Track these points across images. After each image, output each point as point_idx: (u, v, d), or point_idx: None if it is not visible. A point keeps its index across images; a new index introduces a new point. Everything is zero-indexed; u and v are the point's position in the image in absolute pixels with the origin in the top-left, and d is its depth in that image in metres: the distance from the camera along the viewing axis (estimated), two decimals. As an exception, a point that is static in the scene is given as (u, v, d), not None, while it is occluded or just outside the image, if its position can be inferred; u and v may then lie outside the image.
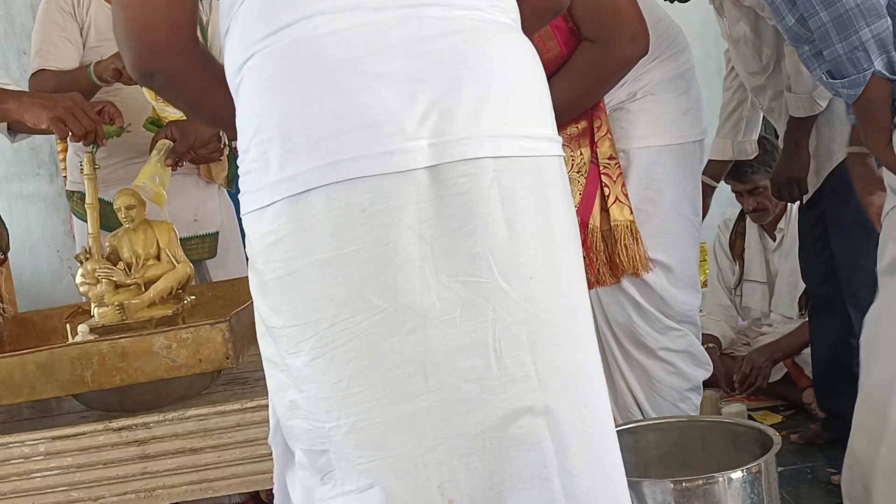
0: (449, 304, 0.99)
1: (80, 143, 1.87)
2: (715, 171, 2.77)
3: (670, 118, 1.83)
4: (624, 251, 1.78)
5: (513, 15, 1.11)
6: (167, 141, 1.97)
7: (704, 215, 2.97)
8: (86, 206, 1.81)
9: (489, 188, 1.00)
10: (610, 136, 1.77)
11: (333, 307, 0.99)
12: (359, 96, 0.98)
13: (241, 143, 1.05)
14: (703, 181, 2.86)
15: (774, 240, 3.05)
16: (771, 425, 2.70)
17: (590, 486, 1.03)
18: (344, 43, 0.99)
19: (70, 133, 1.79)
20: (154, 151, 1.93)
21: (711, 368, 1.95)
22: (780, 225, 3.03)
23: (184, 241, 2.24)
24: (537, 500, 1.01)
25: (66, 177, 2.58)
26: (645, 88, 1.82)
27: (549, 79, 1.78)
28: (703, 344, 3.05)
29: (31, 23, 3.81)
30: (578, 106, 1.77)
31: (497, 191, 1.01)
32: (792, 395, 2.88)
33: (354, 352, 0.99)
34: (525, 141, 1.04)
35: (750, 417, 2.78)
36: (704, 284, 3.49)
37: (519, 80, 1.06)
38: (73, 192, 2.43)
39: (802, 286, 2.91)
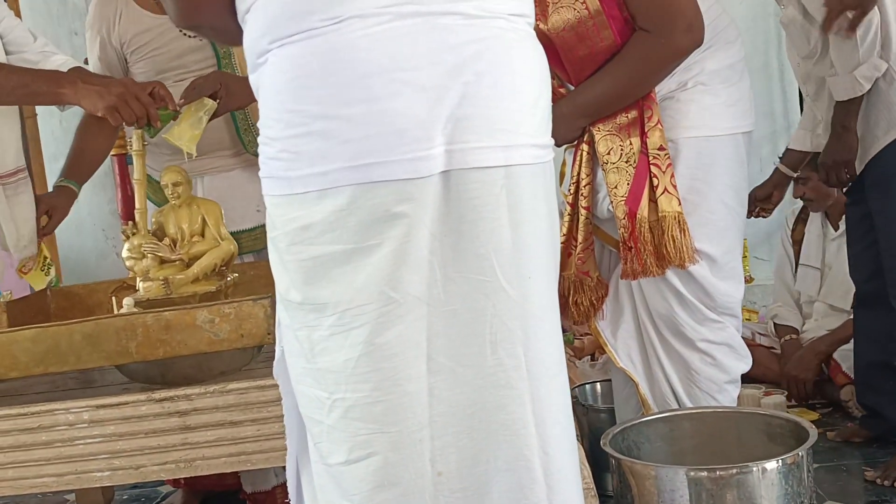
0: (453, 296, 1.09)
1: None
2: (792, 160, 2.76)
3: (720, 109, 1.80)
4: (671, 242, 1.77)
5: (529, 20, 1.16)
6: (211, 102, 1.97)
7: (777, 203, 2.92)
8: (134, 181, 1.85)
9: (499, 195, 1.09)
10: (660, 126, 1.75)
11: (351, 293, 1.07)
12: (389, 103, 1.04)
13: (267, 129, 1.10)
14: (780, 170, 2.84)
15: (836, 230, 3.01)
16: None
17: (561, 464, 1.15)
18: (376, 49, 1.05)
19: (123, 120, 1.82)
20: (194, 109, 1.93)
21: (751, 362, 1.92)
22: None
23: (248, 232, 2.30)
24: (521, 479, 1.11)
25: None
26: (696, 78, 1.79)
27: (601, 68, 1.78)
28: (783, 336, 3.07)
29: (83, 3, 3.88)
30: (630, 95, 1.77)
31: (506, 197, 1.09)
32: (830, 392, 2.84)
33: (366, 335, 1.07)
34: (533, 150, 1.12)
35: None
36: (748, 280, 3.48)
37: (533, 90, 1.13)
38: None
39: None
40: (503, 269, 1.09)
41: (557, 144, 1.21)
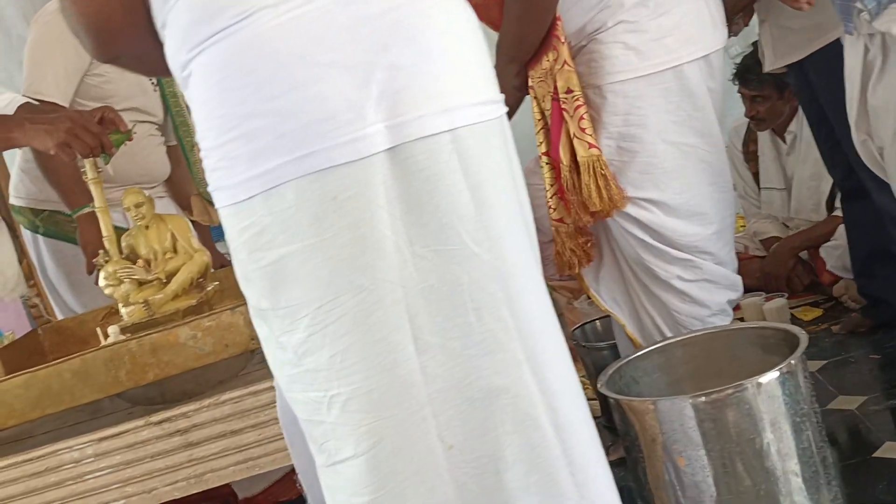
0: (426, 273, 1.05)
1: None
2: None
3: (649, 45, 1.70)
4: (589, 188, 1.72)
5: None
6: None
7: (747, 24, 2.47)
8: (96, 209, 1.84)
9: (448, 161, 1.05)
10: (569, 67, 1.68)
11: (320, 289, 1.04)
12: (314, 88, 1.01)
13: (203, 140, 1.08)
14: None
15: (786, 142, 2.99)
16: (812, 319, 2.71)
17: (571, 417, 1.13)
18: (291, 36, 1.02)
19: (77, 154, 1.81)
20: None
21: (739, 291, 1.88)
22: (791, 128, 2.96)
23: None
24: (531, 439, 1.09)
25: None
26: (616, 16, 1.71)
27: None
28: (769, 247, 3.00)
29: (27, 34, 3.84)
30: (529, 33, 1.72)
31: (457, 162, 1.06)
32: (826, 288, 2.85)
33: (345, 328, 1.04)
34: (475, 108, 1.08)
35: (791, 315, 2.77)
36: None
37: (462, 47, 1.09)
38: (21, 206, 2.46)
39: (825, 189, 2.87)
40: (470, 234, 1.07)
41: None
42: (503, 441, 1.09)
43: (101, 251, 1.84)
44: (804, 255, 2.92)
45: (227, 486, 2.50)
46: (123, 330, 1.74)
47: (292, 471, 2.51)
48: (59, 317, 2.58)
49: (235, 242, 1.08)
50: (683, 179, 1.77)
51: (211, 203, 2.78)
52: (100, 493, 1.58)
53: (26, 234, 2.55)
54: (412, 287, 1.05)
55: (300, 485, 1.39)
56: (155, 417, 1.57)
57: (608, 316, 2.07)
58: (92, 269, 2.33)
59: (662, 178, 1.76)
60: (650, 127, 1.74)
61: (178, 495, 1.59)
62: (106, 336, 1.78)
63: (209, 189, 1.11)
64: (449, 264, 1.06)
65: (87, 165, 1.85)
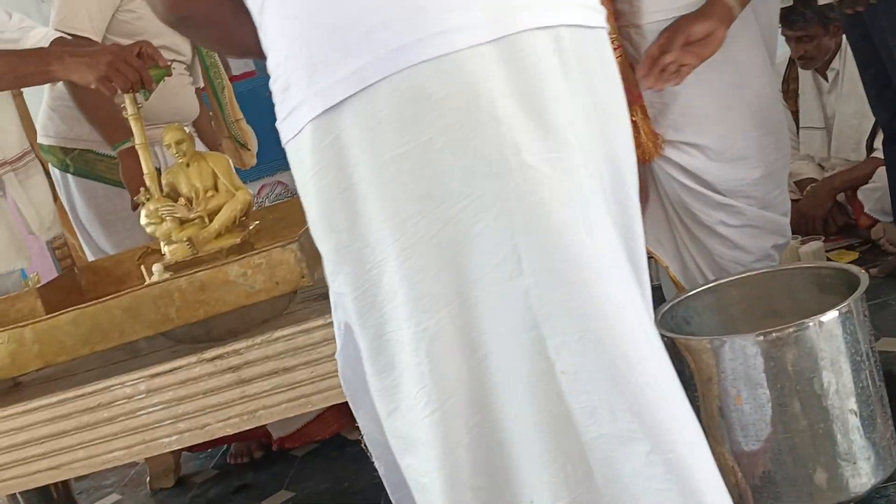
0: (534, 183, 0.96)
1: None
2: None
3: None
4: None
5: None
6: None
7: None
8: (136, 146, 1.81)
9: (554, 58, 0.97)
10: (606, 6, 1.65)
11: (416, 203, 0.96)
12: None
13: (275, 58, 1.02)
14: None
15: (827, 80, 2.93)
16: (848, 263, 2.68)
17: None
18: None
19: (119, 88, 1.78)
20: None
21: (787, 236, 1.85)
22: (834, 65, 2.90)
23: None
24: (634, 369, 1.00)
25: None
26: None
27: None
28: (804, 189, 2.96)
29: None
30: None
31: (561, 60, 0.98)
32: (864, 232, 2.82)
33: (447, 241, 0.97)
34: (580, 10, 1.01)
35: (827, 258, 2.75)
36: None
37: None
38: (50, 146, 2.42)
39: (867, 128, 2.82)
40: (581, 143, 0.99)
41: None
42: (630, 373, 1.00)
43: (141, 189, 1.81)
44: (840, 197, 2.88)
45: (262, 425, 2.51)
46: (167, 268, 1.73)
47: (325, 411, 2.54)
48: (89, 258, 2.57)
49: (314, 167, 1.00)
50: (726, 124, 1.74)
51: (243, 146, 2.76)
52: (152, 429, 1.57)
53: (55, 174, 2.52)
54: (520, 198, 0.95)
55: (364, 444, 1.36)
56: (207, 354, 1.56)
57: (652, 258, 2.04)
58: (136, 206, 2.30)
59: (703, 122, 1.73)
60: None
61: (230, 431, 1.59)
62: (150, 274, 1.76)
63: (277, 124, 1.06)
64: (559, 174, 0.97)
65: (126, 100, 1.82)
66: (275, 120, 1.05)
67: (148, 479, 2.58)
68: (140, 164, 2.20)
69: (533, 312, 0.98)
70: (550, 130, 0.97)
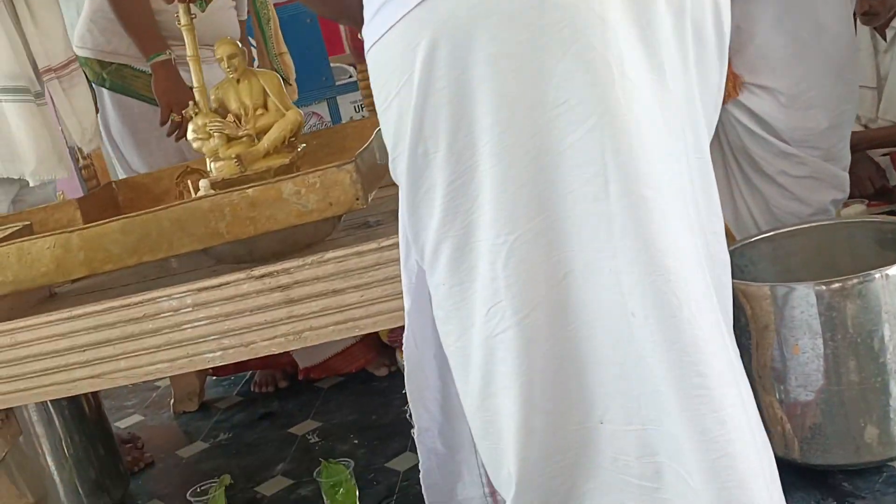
0: (632, 101, 0.91)
1: None
2: None
3: None
4: None
5: None
6: None
7: None
8: (188, 58, 1.77)
9: None
10: None
11: (507, 107, 0.92)
12: None
13: None
14: None
15: (885, 39, 2.86)
16: None
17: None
18: None
19: None
20: None
21: (846, 191, 1.81)
22: (894, 24, 2.83)
23: None
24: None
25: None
26: None
27: None
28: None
29: None
30: None
31: None
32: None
33: (536, 150, 0.93)
34: None
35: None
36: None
37: None
38: (88, 58, 2.37)
39: None
40: (714, 64, 1.00)
41: None
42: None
43: (190, 102, 1.78)
44: (884, 161, 2.83)
45: (288, 354, 2.50)
46: (214, 185, 1.70)
47: (352, 345, 2.53)
48: (120, 176, 2.54)
49: (402, 67, 0.95)
50: (801, 68, 1.71)
51: (285, 80, 2.71)
52: (196, 343, 1.55)
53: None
54: (616, 115, 0.91)
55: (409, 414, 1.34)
56: (256, 272, 1.53)
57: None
58: (167, 119, 2.27)
59: (779, 66, 1.69)
60: (769, 9, 1.66)
61: (275, 350, 1.57)
62: (196, 190, 1.73)
63: (363, 31, 1.01)
64: (659, 96, 0.93)
65: (180, 10, 1.77)
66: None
67: (171, 401, 2.58)
68: (173, 79, 2.17)
69: (614, 242, 0.94)
70: (653, 46, 0.93)
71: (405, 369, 1.23)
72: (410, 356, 1.20)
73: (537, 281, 0.97)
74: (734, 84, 1.69)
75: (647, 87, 0.93)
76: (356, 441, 2.13)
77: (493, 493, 1.23)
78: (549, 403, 1.02)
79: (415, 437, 1.25)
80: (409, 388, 1.22)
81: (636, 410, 1.00)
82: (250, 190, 1.55)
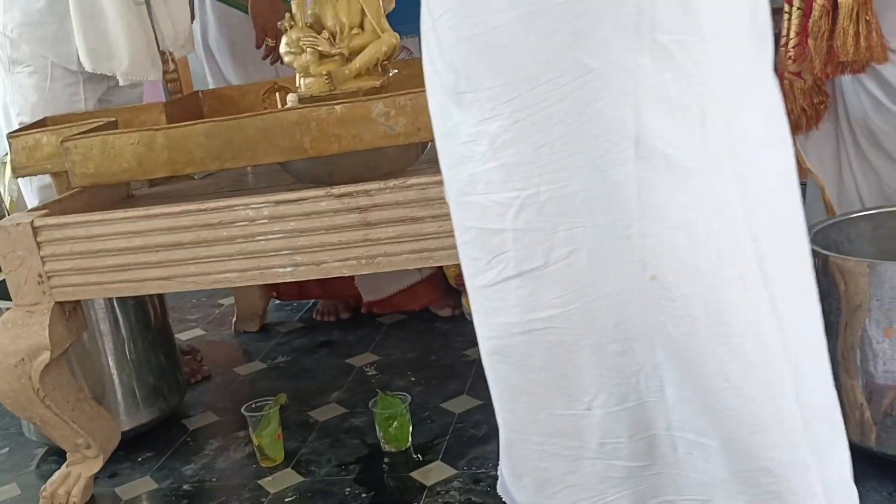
0: (661, 66, 0.89)
1: None
2: None
3: None
4: (847, 35, 1.54)
5: None
6: None
7: None
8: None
9: None
10: None
11: (538, 66, 0.90)
12: None
13: None
14: None
15: None
16: None
17: None
18: None
19: None
20: None
21: None
22: None
23: None
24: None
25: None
26: None
27: None
28: None
29: None
30: None
31: None
32: None
33: (561, 114, 0.91)
34: None
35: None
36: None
37: None
38: None
39: None
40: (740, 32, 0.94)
41: None
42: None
43: (287, 14, 1.74)
44: None
45: (353, 286, 2.49)
46: (302, 101, 1.67)
47: (417, 283, 2.49)
48: (211, 86, 2.53)
49: (439, 12, 0.95)
50: None
51: None
52: (269, 257, 1.54)
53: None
54: (643, 78, 0.89)
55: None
56: (336, 190, 1.51)
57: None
58: (261, 43, 2.24)
59: None
60: None
61: (346, 273, 1.55)
62: (283, 104, 1.71)
63: None
64: (687, 60, 0.90)
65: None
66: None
67: (234, 319, 2.59)
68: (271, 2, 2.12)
69: (639, 202, 0.91)
70: (689, 10, 0.89)
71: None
72: None
73: (543, 251, 0.97)
74: (883, 49, 1.57)
75: (677, 49, 0.90)
76: (413, 379, 2.11)
77: None
78: (544, 374, 1.02)
79: None
80: None
81: (634, 385, 0.98)
82: (339, 106, 1.52)
